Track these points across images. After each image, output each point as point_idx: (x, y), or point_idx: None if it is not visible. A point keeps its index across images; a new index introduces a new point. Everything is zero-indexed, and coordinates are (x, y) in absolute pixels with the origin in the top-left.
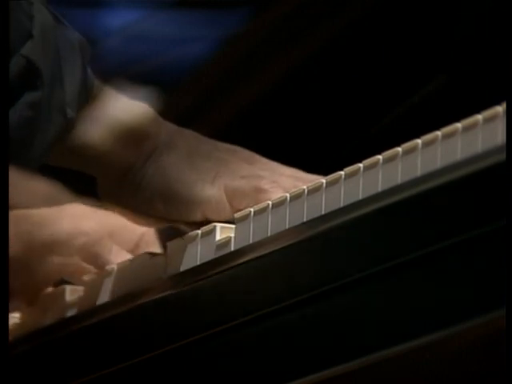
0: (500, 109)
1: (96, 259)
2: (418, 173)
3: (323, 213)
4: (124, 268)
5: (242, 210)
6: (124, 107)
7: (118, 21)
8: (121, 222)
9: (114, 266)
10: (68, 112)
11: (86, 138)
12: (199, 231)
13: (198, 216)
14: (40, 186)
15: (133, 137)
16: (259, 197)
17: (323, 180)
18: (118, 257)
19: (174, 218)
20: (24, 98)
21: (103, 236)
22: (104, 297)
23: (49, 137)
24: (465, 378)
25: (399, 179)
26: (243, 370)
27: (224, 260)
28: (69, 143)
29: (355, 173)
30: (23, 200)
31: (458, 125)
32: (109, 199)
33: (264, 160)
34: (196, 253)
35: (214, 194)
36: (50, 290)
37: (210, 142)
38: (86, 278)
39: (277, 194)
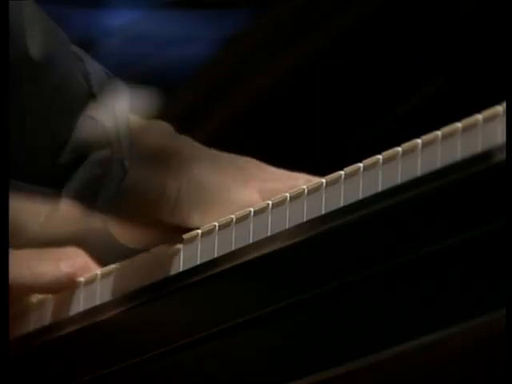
0: (500, 109)
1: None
2: (418, 173)
3: (323, 213)
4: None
5: None
6: (146, 131)
7: (118, 21)
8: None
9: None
10: (125, 164)
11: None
12: (199, 231)
13: None
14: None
15: (162, 156)
16: None
17: (323, 180)
18: None
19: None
20: (94, 157)
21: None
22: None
23: (111, 192)
24: (465, 378)
25: (399, 179)
26: (243, 370)
27: (224, 260)
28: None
29: (355, 173)
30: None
31: (458, 125)
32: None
33: (273, 168)
34: (196, 252)
35: (250, 197)
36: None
37: (217, 152)
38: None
39: None
